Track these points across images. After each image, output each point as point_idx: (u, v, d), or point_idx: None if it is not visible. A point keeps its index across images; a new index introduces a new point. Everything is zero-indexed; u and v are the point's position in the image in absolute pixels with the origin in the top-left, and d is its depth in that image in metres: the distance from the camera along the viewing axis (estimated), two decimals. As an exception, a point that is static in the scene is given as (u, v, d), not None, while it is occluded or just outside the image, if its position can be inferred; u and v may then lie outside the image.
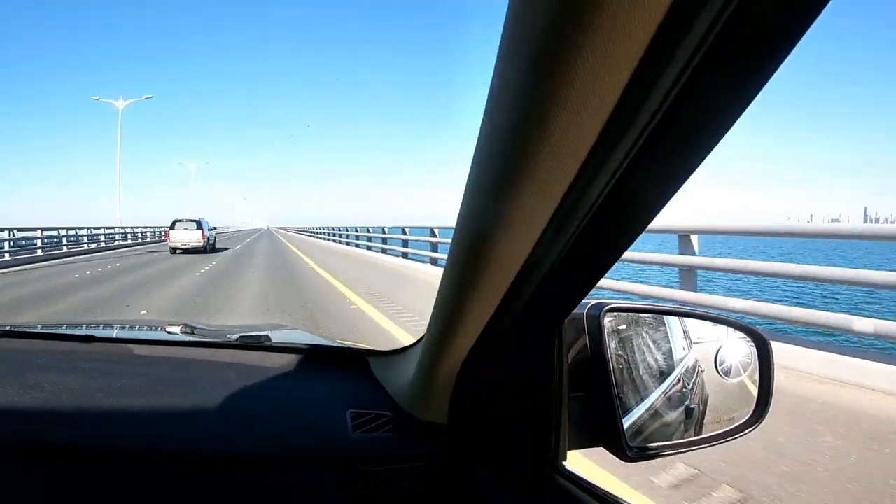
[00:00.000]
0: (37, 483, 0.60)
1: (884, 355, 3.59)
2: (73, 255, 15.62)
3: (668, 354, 0.70)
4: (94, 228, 20.88)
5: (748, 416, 0.70)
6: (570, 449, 0.59)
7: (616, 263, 0.43)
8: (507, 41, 0.28)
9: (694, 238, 4.99)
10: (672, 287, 5.39)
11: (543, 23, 0.25)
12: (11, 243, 14.24)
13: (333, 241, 23.88)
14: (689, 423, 0.69)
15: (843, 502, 1.90)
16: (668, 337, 0.69)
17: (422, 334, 0.63)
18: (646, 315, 0.69)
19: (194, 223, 16.65)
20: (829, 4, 0.23)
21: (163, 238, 24.10)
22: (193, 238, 16.29)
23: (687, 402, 0.71)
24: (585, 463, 1.37)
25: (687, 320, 0.71)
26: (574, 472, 0.59)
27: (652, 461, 0.64)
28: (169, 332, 1.21)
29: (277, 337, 0.96)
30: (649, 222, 0.36)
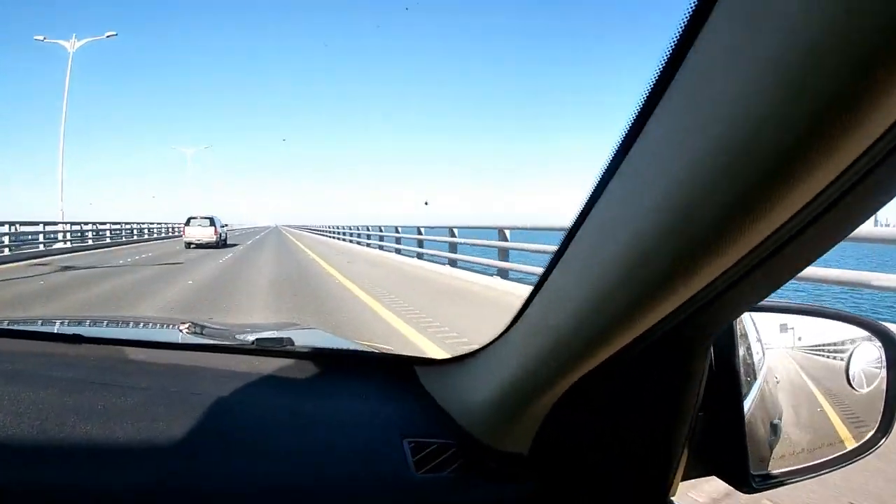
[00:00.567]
0: None
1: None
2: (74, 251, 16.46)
3: (789, 360, 0.58)
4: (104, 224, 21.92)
5: (873, 431, 0.60)
6: (682, 479, 0.49)
7: None
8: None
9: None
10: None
11: None
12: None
13: (347, 241, 21.96)
14: (813, 441, 0.58)
15: None
16: (794, 339, 0.57)
17: (480, 344, 0.51)
18: (769, 314, 0.57)
19: (207, 220, 18.13)
20: None
21: (169, 235, 27.47)
22: (206, 234, 17.64)
23: (809, 417, 0.59)
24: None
25: (811, 319, 0.59)
26: None
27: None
28: (173, 332, 1.09)
29: (299, 339, 0.82)
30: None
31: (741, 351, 0.53)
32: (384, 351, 0.90)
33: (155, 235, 27.92)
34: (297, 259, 13.01)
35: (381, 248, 14.75)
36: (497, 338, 0.49)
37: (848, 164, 0.25)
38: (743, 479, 0.49)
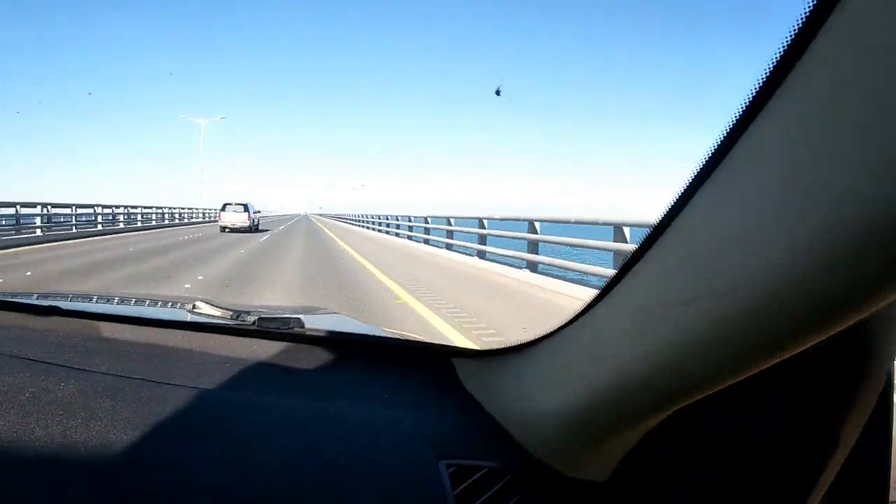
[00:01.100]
0: None
1: None
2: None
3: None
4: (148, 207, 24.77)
5: None
6: None
7: None
8: None
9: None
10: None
11: None
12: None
13: (391, 233, 18.02)
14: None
15: None
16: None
17: (543, 332, 0.39)
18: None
19: (242, 206, 19.51)
20: None
21: (204, 220, 30.57)
22: (240, 219, 18.97)
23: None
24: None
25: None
26: None
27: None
28: (169, 311, 0.98)
29: (311, 323, 0.67)
30: None
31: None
32: (417, 339, 0.75)
33: (195, 219, 30.15)
34: (327, 246, 13.35)
35: (448, 246, 11.29)
36: (566, 324, 0.35)
37: None
38: None
